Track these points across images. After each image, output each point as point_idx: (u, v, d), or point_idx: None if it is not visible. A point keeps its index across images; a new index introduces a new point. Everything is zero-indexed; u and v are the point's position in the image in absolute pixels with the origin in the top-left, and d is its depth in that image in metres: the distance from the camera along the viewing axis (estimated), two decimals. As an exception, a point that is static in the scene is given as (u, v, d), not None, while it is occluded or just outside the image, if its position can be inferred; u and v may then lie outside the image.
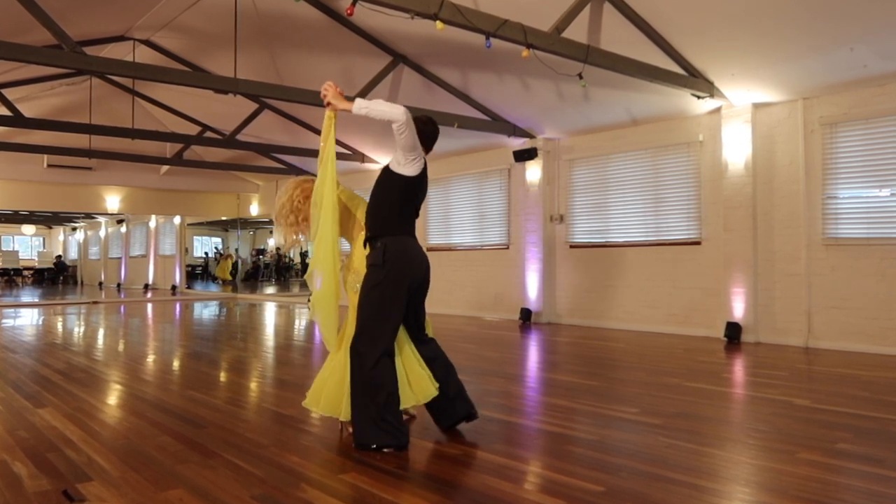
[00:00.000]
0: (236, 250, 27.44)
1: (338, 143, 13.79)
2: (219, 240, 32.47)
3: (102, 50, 10.73)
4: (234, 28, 8.59)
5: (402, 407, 3.72)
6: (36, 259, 31.05)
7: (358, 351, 3.59)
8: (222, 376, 6.24)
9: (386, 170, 3.73)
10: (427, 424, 4.15)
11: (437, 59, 8.88)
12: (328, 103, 3.67)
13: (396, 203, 3.69)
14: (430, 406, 3.97)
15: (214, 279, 26.14)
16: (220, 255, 28.85)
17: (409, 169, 3.64)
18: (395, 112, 3.44)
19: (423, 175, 3.71)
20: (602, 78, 7.69)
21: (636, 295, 9.41)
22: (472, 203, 11.92)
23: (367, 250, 3.77)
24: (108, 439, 3.88)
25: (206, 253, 31.14)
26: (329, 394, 3.82)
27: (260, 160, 14.82)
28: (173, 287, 21.06)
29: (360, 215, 3.98)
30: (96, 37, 10.33)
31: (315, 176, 3.87)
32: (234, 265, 25.84)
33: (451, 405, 3.95)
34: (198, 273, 28.77)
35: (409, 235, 3.74)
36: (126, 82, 12.26)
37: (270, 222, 29.48)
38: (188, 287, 22.07)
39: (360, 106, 3.50)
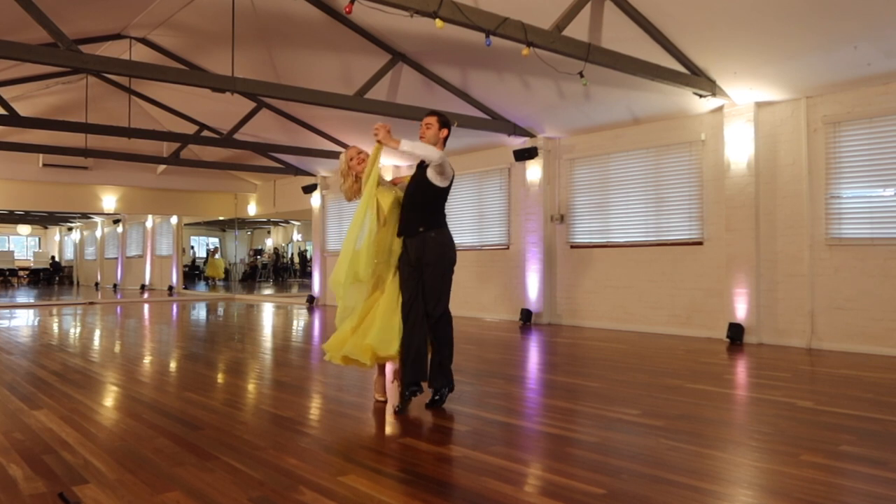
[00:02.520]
0: (212, 252, 27.39)
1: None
2: (216, 240, 32.39)
3: (99, 48, 10.66)
4: (231, 26, 8.54)
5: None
6: (31, 259, 30.99)
7: (449, 316, 4.66)
8: (219, 378, 6.20)
9: (424, 178, 4.57)
10: (426, 426, 4.11)
11: (436, 58, 8.83)
12: (378, 141, 4.46)
13: (438, 205, 4.68)
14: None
15: (207, 280, 25.82)
16: (211, 252, 28.65)
17: (443, 182, 4.60)
18: (433, 155, 4.45)
19: (452, 183, 4.70)
20: (603, 76, 7.65)
21: (637, 296, 9.37)
22: (471, 203, 11.87)
23: (408, 237, 4.61)
24: (104, 441, 3.84)
25: (208, 247, 30.94)
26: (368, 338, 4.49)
27: (258, 159, 14.76)
28: (170, 287, 21.01)
29: (384, 202, 4.62)
30: (92, 35, 10.25)
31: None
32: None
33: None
34: (195, 273, 28.66)
35: (446, 227, 4.73)
36: (122, 81, 12.20)
37: (268, 222, 29.52)
38: (185, 287, 22.02)
39: (405, 145, 4.39)
